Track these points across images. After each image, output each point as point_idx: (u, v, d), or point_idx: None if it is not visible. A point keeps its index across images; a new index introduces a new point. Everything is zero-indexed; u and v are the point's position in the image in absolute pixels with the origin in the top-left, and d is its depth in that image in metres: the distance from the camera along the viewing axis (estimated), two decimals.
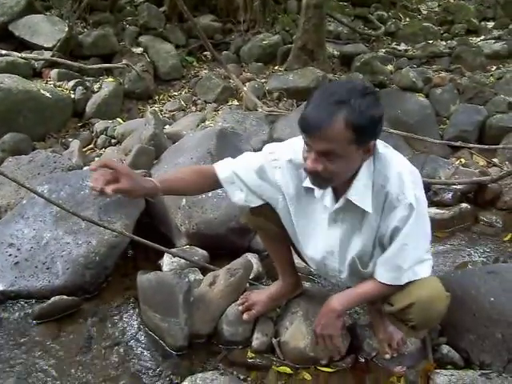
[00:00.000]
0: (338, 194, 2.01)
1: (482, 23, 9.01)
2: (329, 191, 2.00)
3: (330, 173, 1.83)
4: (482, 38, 8.12)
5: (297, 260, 2.52)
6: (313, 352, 2.34)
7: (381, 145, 1.98)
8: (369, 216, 1.98)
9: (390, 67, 6.74)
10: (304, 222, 2.15)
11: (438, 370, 2.22)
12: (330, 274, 2.28)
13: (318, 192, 2.02)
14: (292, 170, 2.05)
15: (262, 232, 2.45)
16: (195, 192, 2.36)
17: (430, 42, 7.90)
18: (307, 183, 2.02)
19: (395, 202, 1.92)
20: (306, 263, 2.48)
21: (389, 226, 1.97)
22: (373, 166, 1.93)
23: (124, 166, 1.91)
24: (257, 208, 2.22)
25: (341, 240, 2.08)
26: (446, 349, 2.41)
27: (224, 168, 2.14)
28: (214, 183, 2.16)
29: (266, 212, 2.22)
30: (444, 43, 7.82)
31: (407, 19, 9.19)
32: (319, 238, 2.14)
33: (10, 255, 2.98)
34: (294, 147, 2.04)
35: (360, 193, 1.93)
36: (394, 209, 1.93)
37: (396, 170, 1.94)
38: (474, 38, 8.15)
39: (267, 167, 2.09)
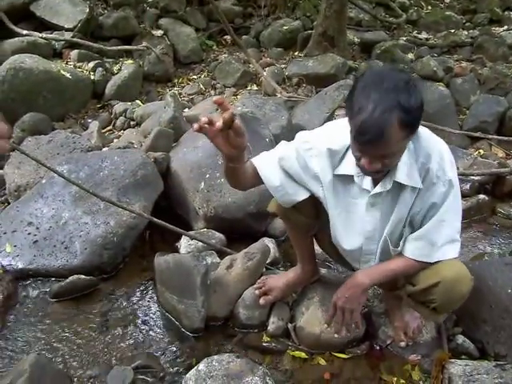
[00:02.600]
0: (376, 179, 2.00)
1: (506, 13, 8.86)
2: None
3: (388, 167, 1.86)
4: (505, 28, 8.00)
5: (315, 246, 2.53)
6: (327, 324, 2.33)
7: None
8: (405, 193, 1.98)
9: (410, 55, 6.68)
10: (341, 211, 2.12)
11: (452, 360, 2.22)
12: (362, 259, 2.23)
13: (357, 177, 2.00)
14: (328, 157, 2.02)
15: (289, 222, 2.41)
16: (240, 186, 2.17)
17: (452, 31, 7.80)
18: (341, 170, 2.01)
19: (434, 178, 1.93)
20: (328, 253, 2.50)
21: (425, 202, 1.98)
22: (412, 144, 1.92)
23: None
24: None
25: (380, 222, 2.07)
26: (461, 339, 2.42)
27: (269, 169, 2.09)
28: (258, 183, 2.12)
29: (299, 203, 2.18)
30: (466, 32, 7.72)
31: (429, 7, 9.08)
32: (357, 225, 2.12)
33: (29, 234, 3.02)
34: (329, 134, 2.03)
35: (407, 172, 1.92)
36: (433, 185, 1.94)
37: (437, 147, 1.96)
38: (497, 28, 8.03)
39: (304, 156, 2.05)
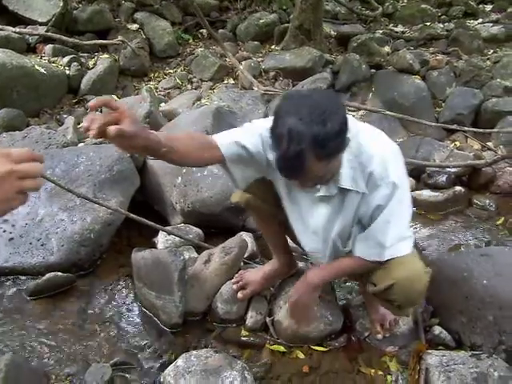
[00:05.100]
0: None
1: (480, 6, 8.96)
2: None
3: (322, 182, 1.90)
4: (480, 21, 8.07)
5: (290, 240, 2.53)
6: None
7: (358, 123, 1.99)
8: (352, 196, 1.98)
9: (386, 48, 6.72)
10: (294, 205, 2.15)
11: (429, 351, 2.24)
12: (312, 256, 2.31)
13: None
14: None
15: (253, 211, 2.42)
16: (193, 162, 2.01)
17: (428, 24, 7.85)
18: None
19: (378, 180, 1.92)
20: (299, 245, 2.50)
21: (370, 204, 1.97)
22: (355, 149, 1.91)
23: (127, 108, 1.59)
24: (249, 186, 2.20)
25: (326, 221, 2.09)
26: (437, 330, 2.44)
27: (226, 142, 1.99)
28: (215, 158, 2.00)
29: (257, 189, 2.20)
30: (441, 25, 7.76)
31: (405, 0, 9.13)
32: (306, 219, 2.15)
33: (5, 231, 2.98)
34: None
35: (351, 177, 1.93)
36: (377, 187, 1.93)
37: (379, 148, 1.94)
38: (472, 21, 8.10)
39: (264, 139, 1.99)
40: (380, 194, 1.94)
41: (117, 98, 5.16)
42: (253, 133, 2.01)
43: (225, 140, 1.98)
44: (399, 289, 2.02)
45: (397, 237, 2.01)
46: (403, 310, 2.21)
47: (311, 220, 2.13)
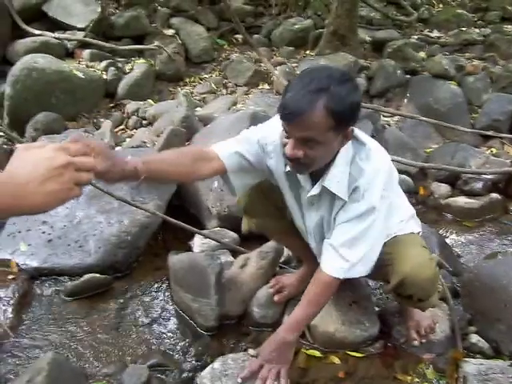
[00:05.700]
0: (316, 179, 2.01)
1: None
2: (307, 176, 2.02)
3: (310, 159, 1.84)
4: None
5: None
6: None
7: (364, 136, 2.00)
8: (338, 202, 1.99)
9: (422, 54, 6.65)
10: (297, 207, 2.18)
11: (467, 359, 2.22)
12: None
13: (300, 175, 2.02)
14: (280, 153, 2.01)
15: (268, 231, 2.50)
16: (187, 178, 2.15)
17: (464, 29, 7.77)
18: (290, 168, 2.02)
19: (360, 196, 1.92)
20: None
21: (345, 214, 1.98)
22: (351, 155, 1.93)
23: (99, 144, 1.61)
24: (251, 209, 2.33)
25: (316, 224, 2.12)
26: (475, 338, 2.42)
27: (227, 153, 2.04)
28: (216, 170, 2.05)
29: (260, 210, 2.30)
30: (477, 31, 7.68)
31: (440, 6, 9.05)
32: (304, 220, 2.19)
33: (44, 233, 3.04)
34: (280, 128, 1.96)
35: (336, 180, 1.93)
36: (357, 202, 1.93)
37: (374, 165, 1.93)
38: (509, 26, 7.99)
39: (262, 148, 2.07)
40: (357, 209, 1.95)
41: (153, 103, 5.21)
42: (250, 141, 2.07)
43: (225, 151, 2.04)
44: (409, 283, 2.04)
45: (360, 256, 1.99)
46: (426, 303, 2.20)
47: (306, 221, 2.18)
